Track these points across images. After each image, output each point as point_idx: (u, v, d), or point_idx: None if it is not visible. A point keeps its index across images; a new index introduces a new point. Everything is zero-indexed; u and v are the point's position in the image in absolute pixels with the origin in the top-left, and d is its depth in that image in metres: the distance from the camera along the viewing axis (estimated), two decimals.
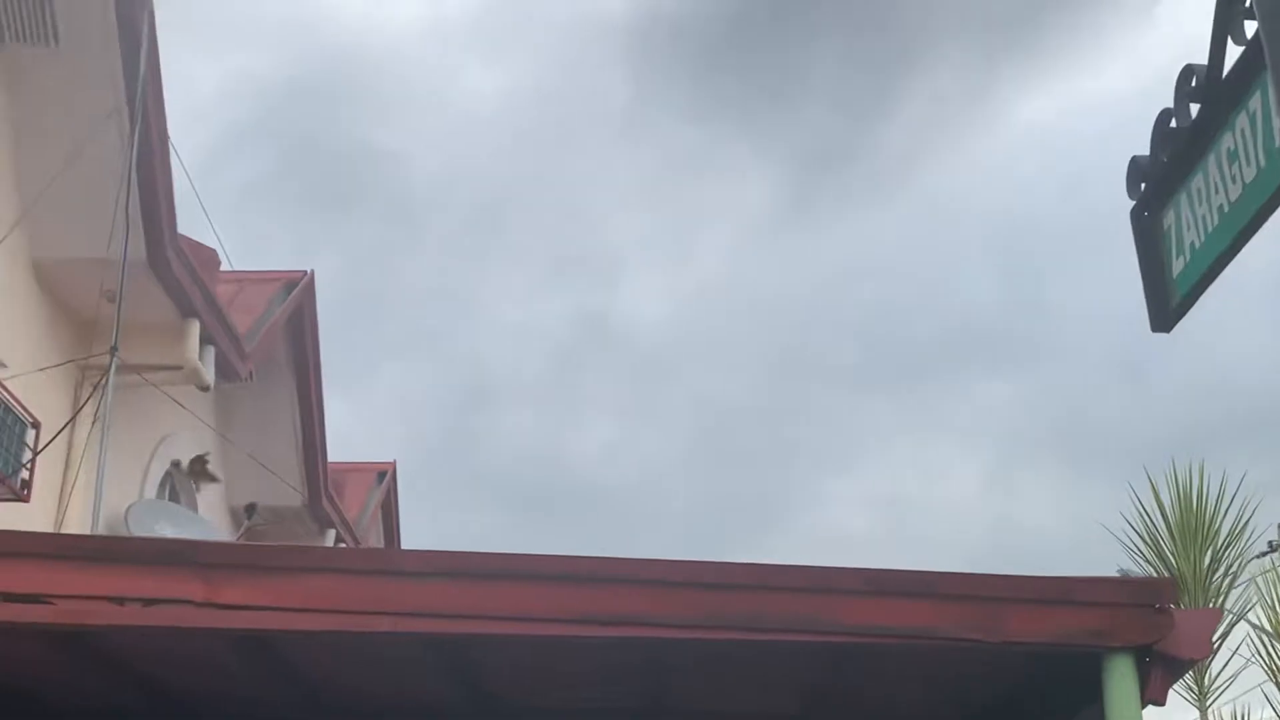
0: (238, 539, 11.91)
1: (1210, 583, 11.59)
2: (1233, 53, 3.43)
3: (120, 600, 4.81)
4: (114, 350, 8.27)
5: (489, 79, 44.83)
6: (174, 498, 11.54)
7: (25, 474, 7.78)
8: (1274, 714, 11.43)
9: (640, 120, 43.95)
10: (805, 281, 45.11)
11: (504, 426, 43.16)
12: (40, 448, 7.93)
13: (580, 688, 5.83)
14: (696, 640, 4.77)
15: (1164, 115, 3.71)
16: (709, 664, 5.40)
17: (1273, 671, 11.46)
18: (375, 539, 16.60)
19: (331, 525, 13.97)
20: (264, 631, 4.95)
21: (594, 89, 43.11)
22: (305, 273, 12.46)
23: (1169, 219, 3.74)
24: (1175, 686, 5.89)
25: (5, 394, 7.47)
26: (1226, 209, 3.46)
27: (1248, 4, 3.29)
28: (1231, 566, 11.71)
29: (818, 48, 40.01)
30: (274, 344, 12.15)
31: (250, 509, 12.41)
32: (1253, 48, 3.31)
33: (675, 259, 45.81)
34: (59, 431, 8.45)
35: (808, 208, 45.23)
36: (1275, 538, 13.94)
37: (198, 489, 11.54)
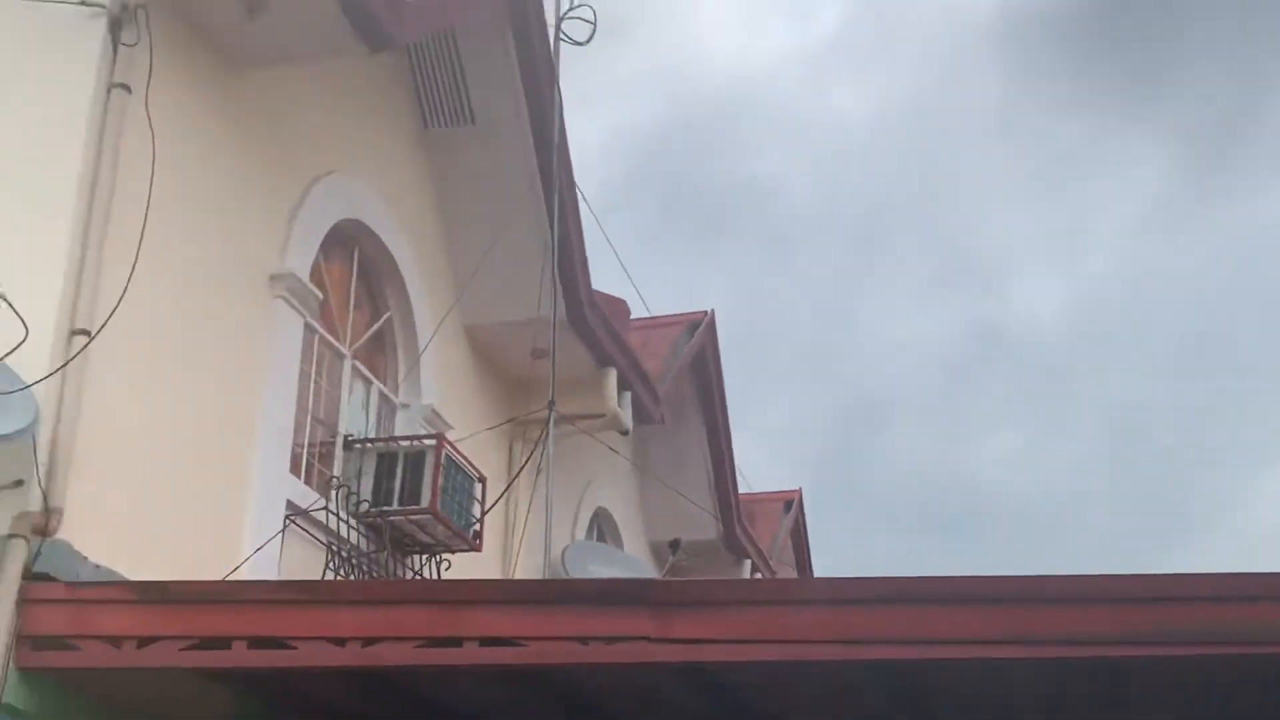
0: (663, 574, 12.35)
1: None
2: None
3: (584, 640, 5.07)
4: (552, 405, 8.83)
5: (859, 97, 44.85)
6: (600, 538, 12.13)
7: (477, 526, 8.38)
8: None
9: (1017, 119, 42.83)
10: (1210, 266, 42.52)
11: (899, 446, 42.63)
12: (492, 502, 8.53)
13: (1027, 712, 5.74)
14: (1156, 658, 4.62)
15: None
16: (1168, 683, 5.22)
17: None
18: (788, 567, 16.81)
19: (747, 555, 14.28)
20: (713, 664, 5.11)
21: (966, 94, 42.37)
22: (706, 313, 12.86)
23: None
24: None
25: (456, 455, 8.07)
26: None
27: None
28: None
29: (1191, 21, 37.83)
30: (681, 384, 12.60)
31: (674, 544, 12.83)
32: None
33: (1067, 256, 44.18)
34: (510, 483, 9.09)
35: (1204, 189, 42.72)
36: None
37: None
